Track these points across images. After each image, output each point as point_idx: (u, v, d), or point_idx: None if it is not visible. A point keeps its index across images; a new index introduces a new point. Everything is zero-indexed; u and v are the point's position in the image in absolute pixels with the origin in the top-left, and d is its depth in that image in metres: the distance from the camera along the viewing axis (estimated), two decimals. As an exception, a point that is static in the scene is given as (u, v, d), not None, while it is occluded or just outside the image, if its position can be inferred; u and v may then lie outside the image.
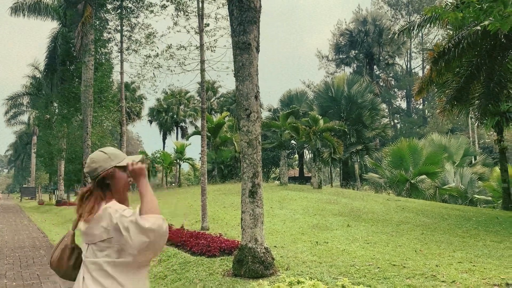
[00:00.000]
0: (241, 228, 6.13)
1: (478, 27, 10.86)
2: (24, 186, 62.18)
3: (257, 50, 6.36)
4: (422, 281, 5.28)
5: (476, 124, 17.91)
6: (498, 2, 4.63)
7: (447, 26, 14.11)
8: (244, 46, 6.20)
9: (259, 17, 6.40)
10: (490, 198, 22.58)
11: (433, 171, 21.75)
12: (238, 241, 7.28)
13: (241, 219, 6.14)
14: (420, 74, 59.72)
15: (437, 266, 6.21)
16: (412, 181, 22.12)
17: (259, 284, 4.97)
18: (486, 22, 7.39)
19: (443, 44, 13.64)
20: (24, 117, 49.55)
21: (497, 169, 21.96)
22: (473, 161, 30.71)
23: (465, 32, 12.64)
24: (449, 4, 7.22)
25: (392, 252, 7.57)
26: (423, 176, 21.92)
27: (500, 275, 5.58)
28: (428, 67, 15.02)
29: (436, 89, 16.88)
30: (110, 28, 22.44)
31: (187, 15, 12.69)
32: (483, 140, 46.76)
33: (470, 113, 17.78)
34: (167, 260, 7.44)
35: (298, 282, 4.84)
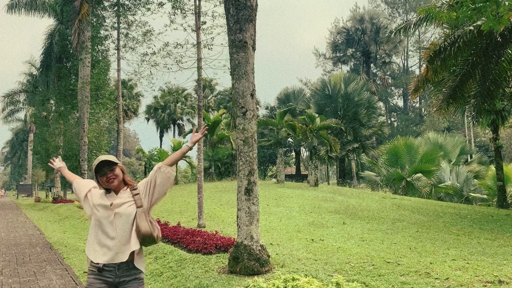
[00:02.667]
0: (237, 226, 6.16)
1: (471, 27, 10.90)
2: (20, 183, 61.94)
3: (253, 49, 6.38)
4: (416, 278, 5.33)
5: (471, 123, 17.99)
6: (491, 2, 4.66)
7: (443, 25, 14.16)
8: (241, 44, 6.22)
9: (256, 15, 6.43)
10: (485, 196, 22.72)
11: (429, 169, 21.85)
12: (234, 239, 7.31)
13: (237, 217, 6.18)
14: (417, 72, 59.74)
15: (431, 263, 6.26)
16: (408, 179, 22.22)
17: (254, 281, 5.00)
18: (479, 22, 7.40)
19: (439, 42, 13.68)
20: (21, 114, 49.45)
21: (492, 167, 22.07)
22: (469, 160, 30.86)
23: (461, 31, 12.68)
24: (444, 3, 7.25)
25: (387, 249, 7.62)
26: (419, 174, 22.04)
27: (493, 272, 5.64)
28: (424, 65, 15.07)
29: (432, 88, 16.94)
30: (107, 26, 22.37)
31: (184, 13, 12.71)
32: (479, 138, 46.93)
33: (466, 111, 17.86)
34: (163, 257, 7.48)
35: (293, 279, 4.87)
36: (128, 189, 3.11)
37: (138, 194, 3.08)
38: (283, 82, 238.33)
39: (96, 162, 3.03)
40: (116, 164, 3.06)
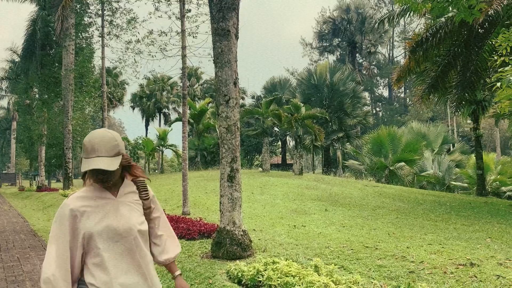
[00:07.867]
0: (220, 212, 6.29)
1: (443, 19, 11.08)
2: (4, 172, 61.12)
3: (236, 37, 6.45)
4: (392, 262, 5.52)
5: (453, 113, 18.27)
6: (463, -6, 4.82)
7: (426, 15, 14.34)
8: (223, 32, 6.29)
9: (239, 4, 6.48)
10: (466, 184, 23.19)
11: (411, 158, 22.18)
12: (217, 225, 7.44)
13: (220, 203, 6.30)
14: (402, 63, 60.12)
15: (408, 248, 6.47)
16: (391, 168, 22.55)
17: (236, 264, 5.14)
18: (450, 14, 7.54)
19: (422, 33, 13.87)
20: (4, 102, 48.79)
21: (473, 156, 22.52)
22: (452, 149, 31.35)
23: (442, 22, 12.87)
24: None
25: (366, 235, 7.83)
26: (402, 163, 22.35)
27: (466, 255, 5.87)
28: (407, 56, 15.27)
29: (415, 78, 17.18)
30: (91, 12, 22.11)
31: (168, 1, 12.65)
32: (462, 128, 47.65)
33: (448, 101, 18.18)
34: (147, 243, 7.57)
35: (273, 263, 5.02)
36: (132, 186, 2.20)
37: (150, 208, 2.23)
38: (270, 71, 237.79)
39: (91, 164, 1.96)
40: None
